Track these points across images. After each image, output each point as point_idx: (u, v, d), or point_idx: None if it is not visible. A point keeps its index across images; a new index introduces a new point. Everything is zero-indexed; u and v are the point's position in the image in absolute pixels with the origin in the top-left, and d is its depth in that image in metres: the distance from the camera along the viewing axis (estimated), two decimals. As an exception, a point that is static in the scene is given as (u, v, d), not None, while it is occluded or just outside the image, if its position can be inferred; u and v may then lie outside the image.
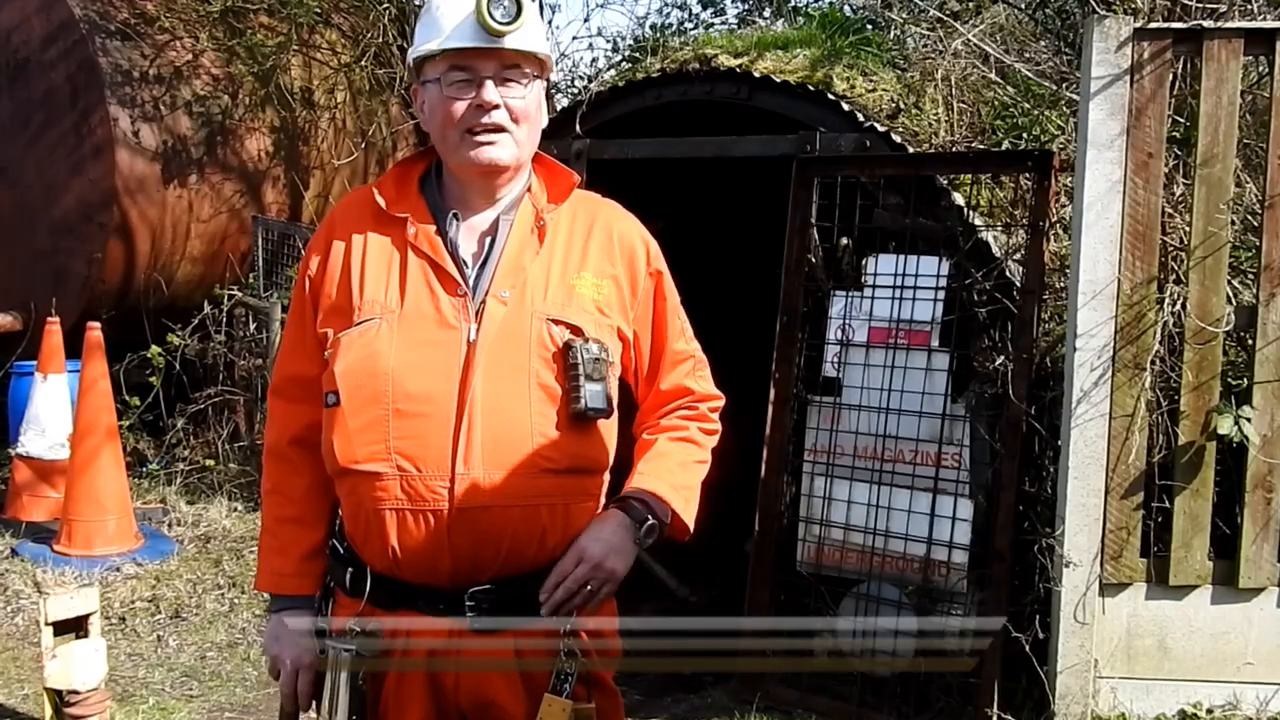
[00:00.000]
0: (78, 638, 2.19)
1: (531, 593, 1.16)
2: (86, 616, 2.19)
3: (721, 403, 1.34)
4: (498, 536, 1.15)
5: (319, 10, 5.16)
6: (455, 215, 1.22)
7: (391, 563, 1.17)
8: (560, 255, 1.22)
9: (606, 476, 1.26)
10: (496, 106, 1.17)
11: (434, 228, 1.20)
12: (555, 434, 1.16)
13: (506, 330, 1.16)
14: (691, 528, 1.25)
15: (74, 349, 3.82)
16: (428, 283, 1.18)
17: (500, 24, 1.14)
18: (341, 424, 1.17)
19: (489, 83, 1.17)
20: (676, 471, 1.25)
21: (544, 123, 1.25)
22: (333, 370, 1.18)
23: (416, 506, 1.14)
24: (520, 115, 1.19)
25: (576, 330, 1.18)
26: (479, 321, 1.16)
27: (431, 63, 1.19)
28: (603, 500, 1.25)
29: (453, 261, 1.19)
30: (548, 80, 1.25)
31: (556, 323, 1.18)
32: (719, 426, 1.33)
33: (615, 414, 1.23)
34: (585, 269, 1.21)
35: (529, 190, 1.24)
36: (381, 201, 1.23)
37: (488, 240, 1.21)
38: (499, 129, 1.18)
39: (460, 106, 1.17)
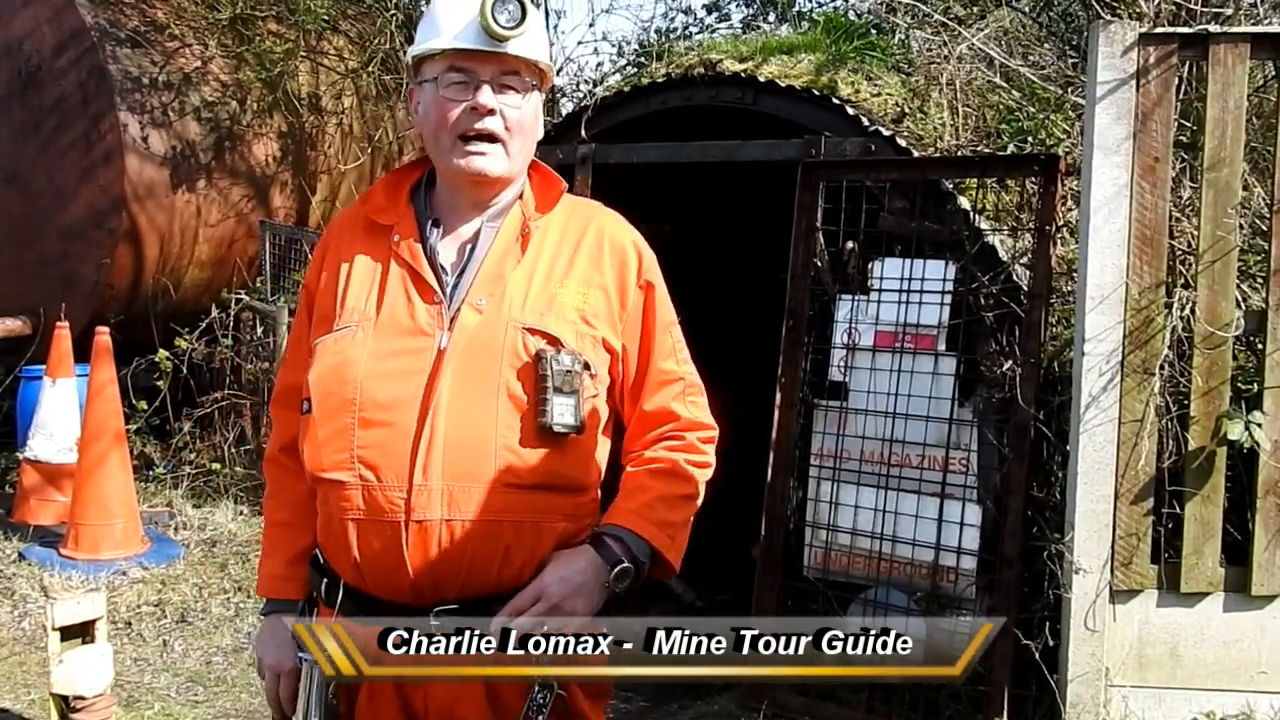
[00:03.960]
0: (84, 643, 2.19)
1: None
2: (93, 622, 2.20)
3: (715, 433, 1.26)
4: (456, 552, 1.11)
5: (327, 17, 5.19)
6: (436, 222, 1.20)
7: (356, 574, 1.14)
8: (545, 263, 1.18)
9: (597, 494, 1.21)
10: (492, 111, 1.15)
11: (417, 236, 1.19)
12: (523, 448, 1.11)
13: (479, 339, 1.13)
14: (677, 566, 1.21)
15: (83, 353, 3.84)
16: (405, 291, 1.16)
17: (504, 28, 1.12)
18: (312, 431, 1.15)
19: (486, 87, 1.14)
20: (658, 507, 1.19)
21: (539, 134, 1.22)
22: (307, 377, 1.18)
23: (376, 517, 1.11)
24: (515, 126, 1.16)
25: (553, 340, 1.13)
26: (452, 330, 1.13)
27: (430, 62, 1.17)
28: (586, 524, 1.19)
29: (431, 269, 1.17)
30: (545, 92, 1.23)
31: (533, 332, 1.13)
32: (711, 459, 1.25)
33: (604, 431, 1.19)
34: (570, 277, 1.17)
35: (519, 198, 1.22)
36: (369, 210, 1.22)
37: (468, 248, 1.19)
38: (491, 138, 1.15)
39: (455, 109, 1.15)
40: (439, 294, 1.16)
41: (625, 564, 1.15)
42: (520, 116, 1.17)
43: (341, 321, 1.17)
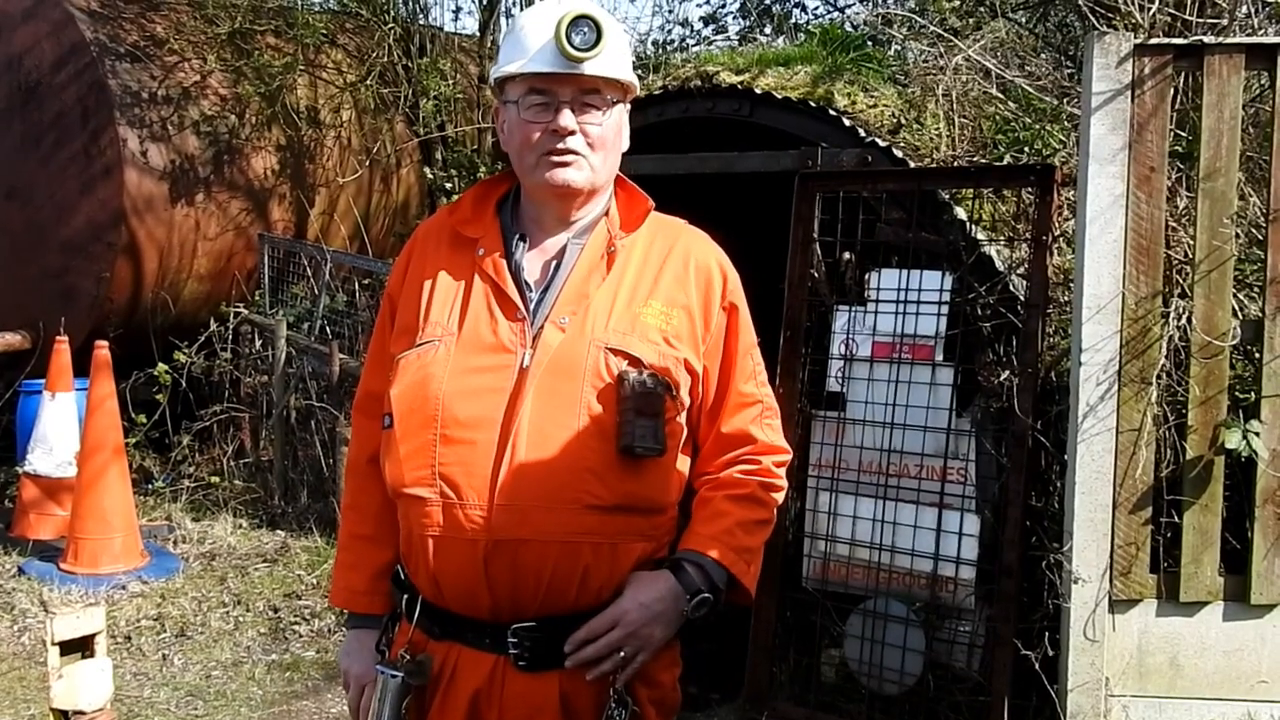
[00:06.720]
0: (84, 657, 2.18)
1: None
2: (93, 636, 2.19)
3: (788, 457, 1.26)
4: (536, 571, 1.11)
5: (325, 31, 5.22)
6: (522, 238, 1.20)
7: (435, 591, 1.15)
8: (630, 282, 1.18)
9: (675, 512, 1.20)
10: (572, 133, 1.15)
11: (502, 251, 1.19)
12: (603, 469, 1.11)
13: (561, 358, 1.13)
14: (754, 593, 1.20)
15: (82, 367, 3.85)
16: (489, 306, 1.16)
17: (579, 50, 1.13)
18: (394, 447, 1.15)
19: (566, 109, 1.15)
20: (737, 533, 1.18)
21: (624, 147, 1.22)
22: (389, 392, 1.18)
23: (456, 534, 1.11)
24: (596, 142, 1.17)
25: (636, 361, 1.13)
26: (534, 348, 1.13)
27: (512, 84, 1.19)
28: (664, 542, 1.19)
29: (515, 285, 1.16)
30: (630, 103, 1.23)
31: (616, 352, 1.13)
32: (784, 483, 1.25)
33: (683, 449, 1.18)
34: (655, 297, 1.17)
35: (605, 215, 1.21)
36: (455, 222, 1.22)
37: (553, 265, 1.19)
38: (573, 153, 1.16)
39: (536, 130, 1.16)
40: (522, 310, 1.16)
41: (705, 594, 1.15)
42: (602, 133, 1.18)
43: (424, 336, 1.17)
